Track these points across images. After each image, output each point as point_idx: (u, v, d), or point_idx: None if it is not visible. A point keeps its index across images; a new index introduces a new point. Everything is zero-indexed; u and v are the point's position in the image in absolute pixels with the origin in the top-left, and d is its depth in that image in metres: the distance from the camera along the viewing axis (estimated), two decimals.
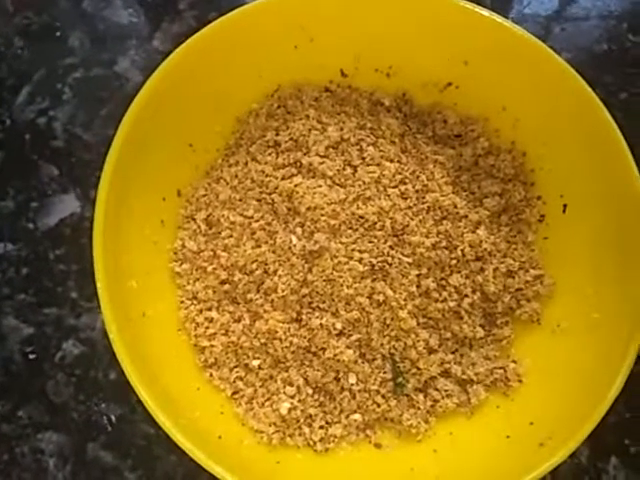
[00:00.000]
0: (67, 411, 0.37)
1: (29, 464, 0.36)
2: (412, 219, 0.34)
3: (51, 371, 0.38)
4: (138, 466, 0.36)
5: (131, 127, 0.31)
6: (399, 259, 0.33)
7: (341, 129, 0.36)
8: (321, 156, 0.35)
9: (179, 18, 0.46)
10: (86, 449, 0.36)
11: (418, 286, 0.33)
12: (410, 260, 0.33)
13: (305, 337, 0.33)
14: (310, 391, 0.33)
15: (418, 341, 0.33)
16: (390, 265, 0.33)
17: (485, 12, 0.34)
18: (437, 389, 0.34)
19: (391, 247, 0.33)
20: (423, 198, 0.34)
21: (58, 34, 0.46)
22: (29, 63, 0.45)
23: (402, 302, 0.33)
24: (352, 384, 0.33)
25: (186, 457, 0.27)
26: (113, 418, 0.37)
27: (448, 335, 0.34)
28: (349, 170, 0.35)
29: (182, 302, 0.35)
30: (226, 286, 0.34)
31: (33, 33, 0.46)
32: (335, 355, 0.32)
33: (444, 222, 0.34)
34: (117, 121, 0.32)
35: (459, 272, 0.34)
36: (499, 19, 0.34)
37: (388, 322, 0.33)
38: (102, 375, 0.37)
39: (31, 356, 0.38)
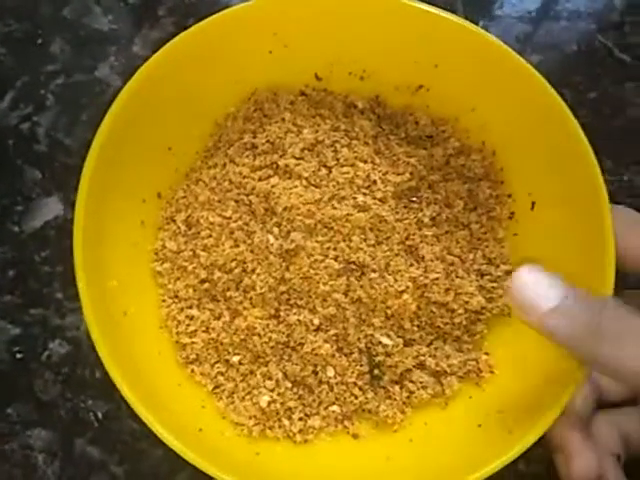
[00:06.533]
0: (55, 408, 0.38)
1: (19, 460, 0.37)
2: (384, 217, 0.35)
3: (38, 370, 0.39)
4: (124, 461, 0.37)
5: (109, 131, 0.32)
6: (373, 256, 0.34)
7: (316, 131, 0.37)
8: (297, 158, 0.36)
9: (158, 24, 0.46)
10: (74, 445, 0.37)
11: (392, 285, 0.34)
12: (384, 255, 0.34)
13: (283, 333, 0.34)
14: (289, 384, 0.34)
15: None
16: (365, 262, 0.34)
17: (454, 18, 0.35)
18: (412, 381, 0.35)
19: (365, 245, 0.34)
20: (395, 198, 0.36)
21: (40, 41, 0.46)
22: (12, 70, 0.45)
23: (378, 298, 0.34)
24: (330, 377, 0.34)
25: (171, 452, 0.28)
26: (99, 415, 0.38)
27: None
28: (324, 171, 0.36)
29: (163, 300, 0.35)
30: (206, 284, 0.35)
31: (15, 40, 0.46)
32: (313, 349, 0.33)
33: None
34: (97, 126, 0.32)
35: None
36: (467, 24, 0.35)
37: (364, 317, 0.34)
38: (88, 373, 0.38)
39: (18, 355, 0.39)
